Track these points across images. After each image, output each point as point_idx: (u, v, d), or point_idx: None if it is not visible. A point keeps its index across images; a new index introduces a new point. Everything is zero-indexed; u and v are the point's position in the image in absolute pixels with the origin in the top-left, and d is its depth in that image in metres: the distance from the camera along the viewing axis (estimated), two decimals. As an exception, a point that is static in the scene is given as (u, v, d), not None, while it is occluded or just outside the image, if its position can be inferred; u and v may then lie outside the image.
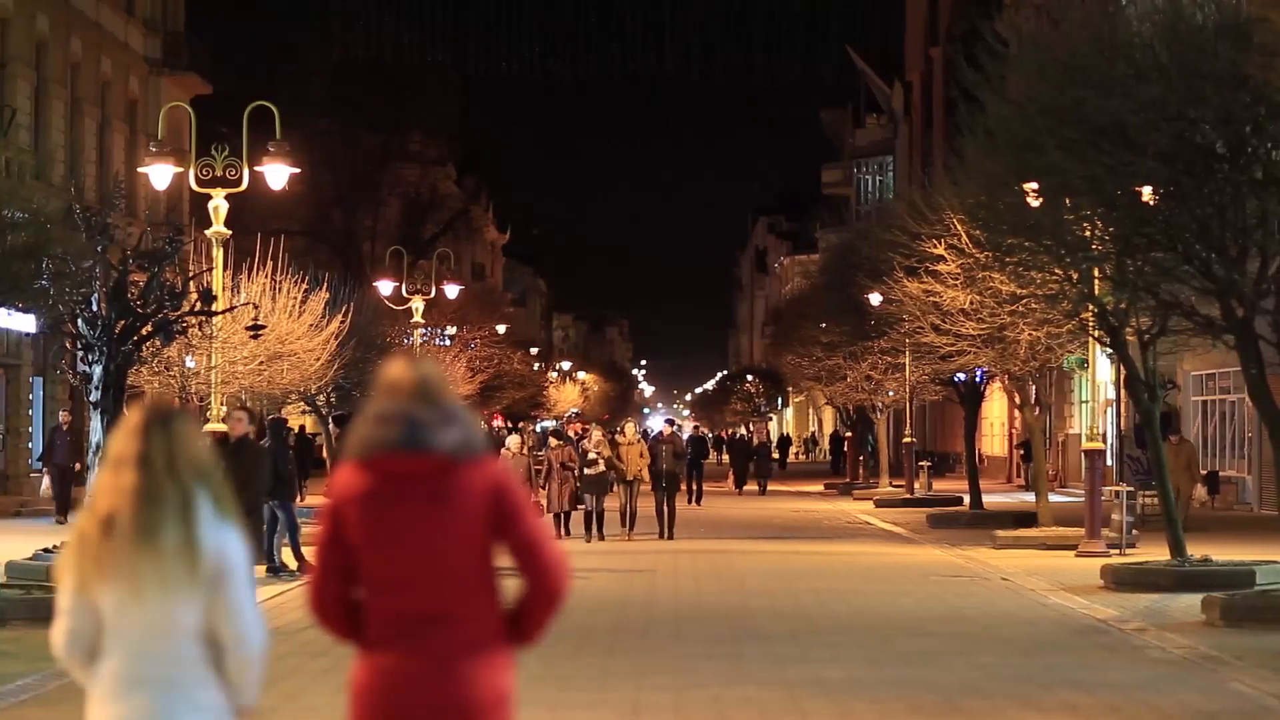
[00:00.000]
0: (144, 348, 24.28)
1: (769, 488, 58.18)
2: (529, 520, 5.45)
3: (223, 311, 27.09)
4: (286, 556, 25.19)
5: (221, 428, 24.00)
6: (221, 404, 26.21)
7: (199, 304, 24.09)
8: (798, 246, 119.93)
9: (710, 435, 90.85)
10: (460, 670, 5.34)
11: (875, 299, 38.27)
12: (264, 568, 23.90)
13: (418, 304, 48.52)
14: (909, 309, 31.96)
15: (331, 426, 27.58)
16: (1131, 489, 29.48)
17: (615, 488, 32.13)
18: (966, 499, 40.13)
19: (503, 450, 30.37)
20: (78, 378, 23.78)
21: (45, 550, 23.45)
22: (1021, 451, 51.10)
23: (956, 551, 28.99)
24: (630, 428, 36.06)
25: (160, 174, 27.70)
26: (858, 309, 41.27)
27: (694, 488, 46.13)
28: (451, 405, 5.43)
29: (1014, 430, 60.40)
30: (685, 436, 56.30)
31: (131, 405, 6.07)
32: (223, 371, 29.31)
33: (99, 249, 22.95)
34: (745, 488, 57.59)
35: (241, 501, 14.18)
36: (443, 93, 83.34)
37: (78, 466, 34.37)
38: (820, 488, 59.39)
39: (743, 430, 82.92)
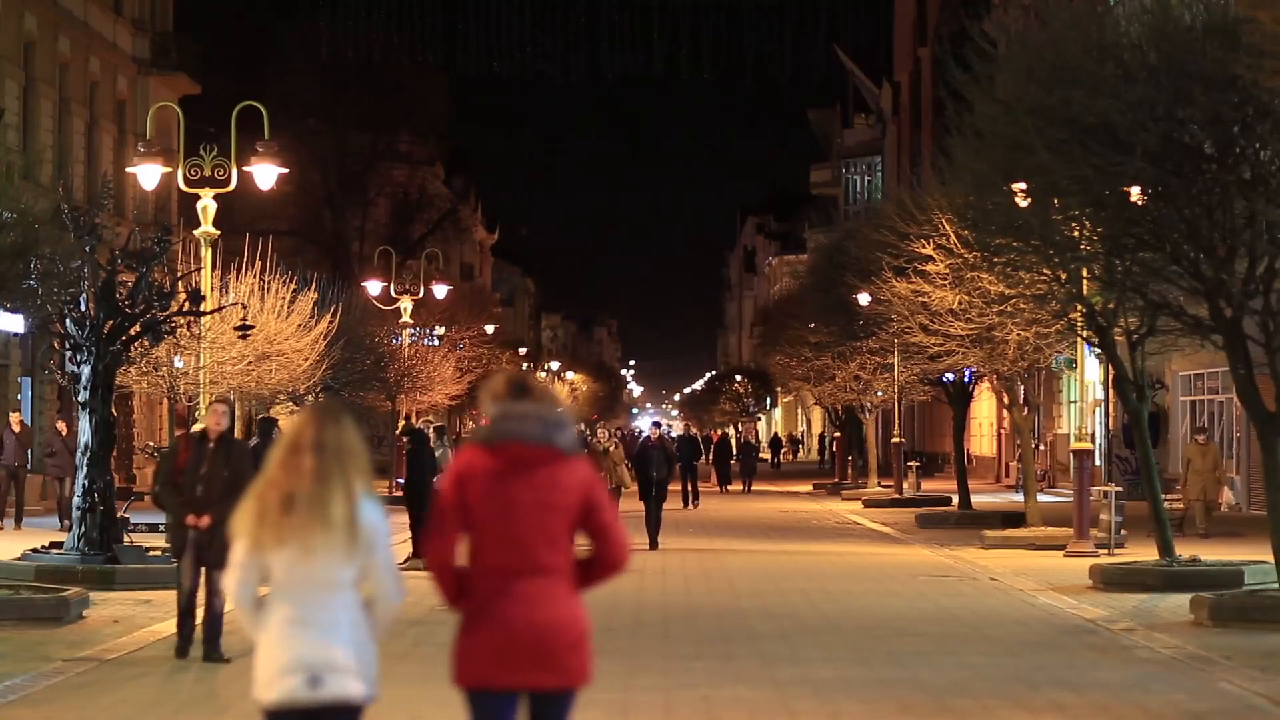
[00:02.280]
0: (132, 348, 24.25)
1: (754, 487, 58.35)
2: (607, 508, 7.22)
3: (211, 311, 27.06)
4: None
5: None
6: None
7: (187, 304, 24.06)
8: (786, 247, 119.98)
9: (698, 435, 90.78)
10: (552, 602, 7.06)
11: (864, 299, 38.30)
12: None
13: (406, 304, 48.51)
14: (897, 309, 31.98)
15: None
16: (1120, 489, 29.45)
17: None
18: (955, 499, 40.14)
19: None
20: (66, 378, 23.76)
21: (34, 550, 23.43)
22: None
23: (945, 551, 29.01)
24: (603, 432, 33.98)
25: (149, 174, 27.66)
26: (846, 309, 41.29)
27: (689, 489, 45.76)
28: (562, 414, 7.14)
29: (1002, 430, 60.45)
30: (674, 436, 56.14)
31: (309, 404, 7.48)
32: (211, 371, 29.30)
33: (87, 249, 22.92)
34: (729, 487, 57.73)
35: (234, 501, 14.10)
36: (431, 93, 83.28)
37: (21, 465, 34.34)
38: (809, 488, 59.45)
39: (730, 430, 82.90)
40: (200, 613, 15.36)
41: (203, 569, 15.27)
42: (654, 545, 29.68)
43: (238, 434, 31.61)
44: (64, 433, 34.47)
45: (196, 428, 16.37)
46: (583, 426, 62.65)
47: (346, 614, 6.76)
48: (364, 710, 6.82)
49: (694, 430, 75.59)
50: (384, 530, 6.81)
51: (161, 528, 24.14)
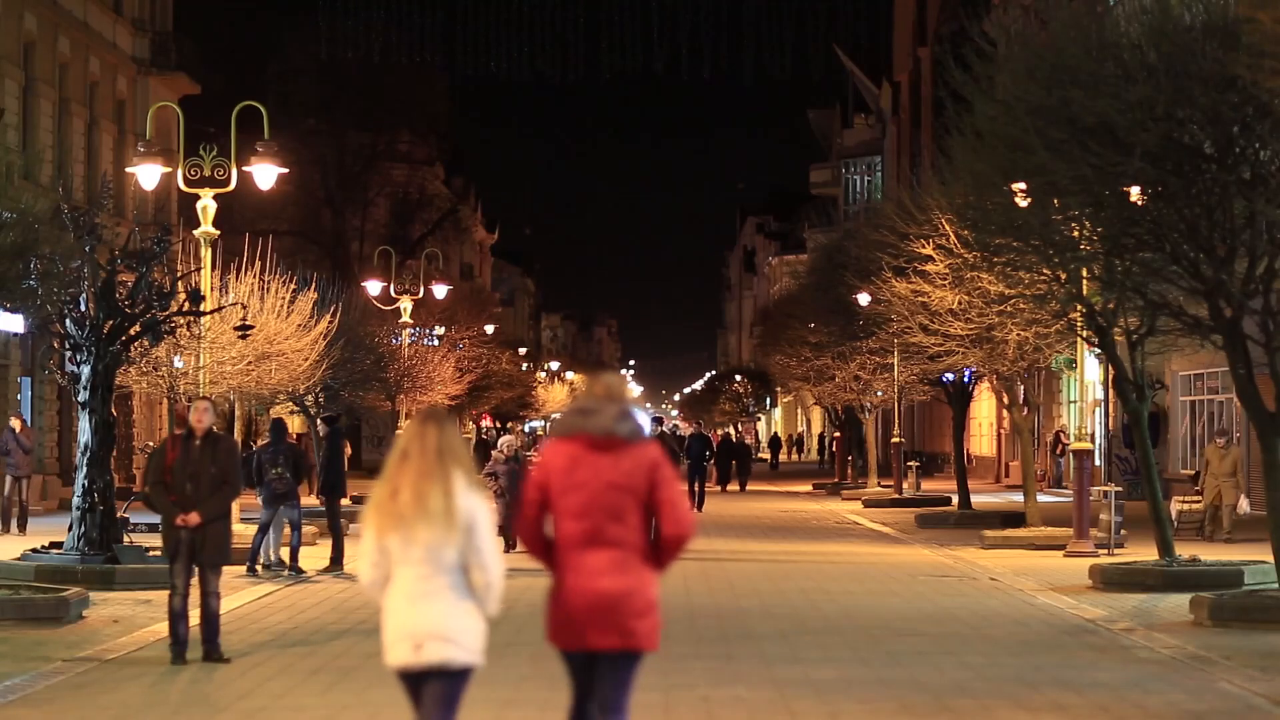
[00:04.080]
0: (132, 348, 24.26)
1: (752, 487, 58.45)
2: (671, 486, 8.29)
3: (211, 311, 27.06)
4: (284, 554, 25.18)
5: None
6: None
7: (187, 304, 24.06)
8: (786, 246, 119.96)
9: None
10: (620, 572, 8.19)
11: (864, 299, 38.30)
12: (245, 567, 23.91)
13: (406, 304, 48.47)
14: (897, 309, 31.96)
15: (320, 427, 27.52)
16: (1120, 489, 29.43)
17: None
18: (955, 499, 40.14)
19: (494, 452, 30.04)
20: (66, 378, 23.75)
21: (34, 550, 23.43)
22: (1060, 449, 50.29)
23: (945, 551, 29.01)
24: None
25: (148, 174, 27.67)
26: (846, 309, 41.29)
27: (696, 490, 45.32)
28: (630, 406, 8.37)
29: (1002, 430, 60.45)
30: (680, 435, 55.95)
31: (416, 410, 8.70)
32: (211, 371, 29.29)
33: (87, 249, 22.92)
34: (727, 486, 57.83)
35: (224, 498, 14.31)
36: (431, 93, 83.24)
37: None
38: (809, 488, 59.46)
39: (730, 430, 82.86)
40: (195, 614, 15.32)
41: (195, 569, 15.25)
42: None
43: (237, 434, 31.73)
44: (18, 430, 33.73)
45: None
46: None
47: (450, 589, 7.95)
48: (468, 674, 8.01)
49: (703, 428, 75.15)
50: (483, 515, 7.99)
51: (161, 528, 24.17)
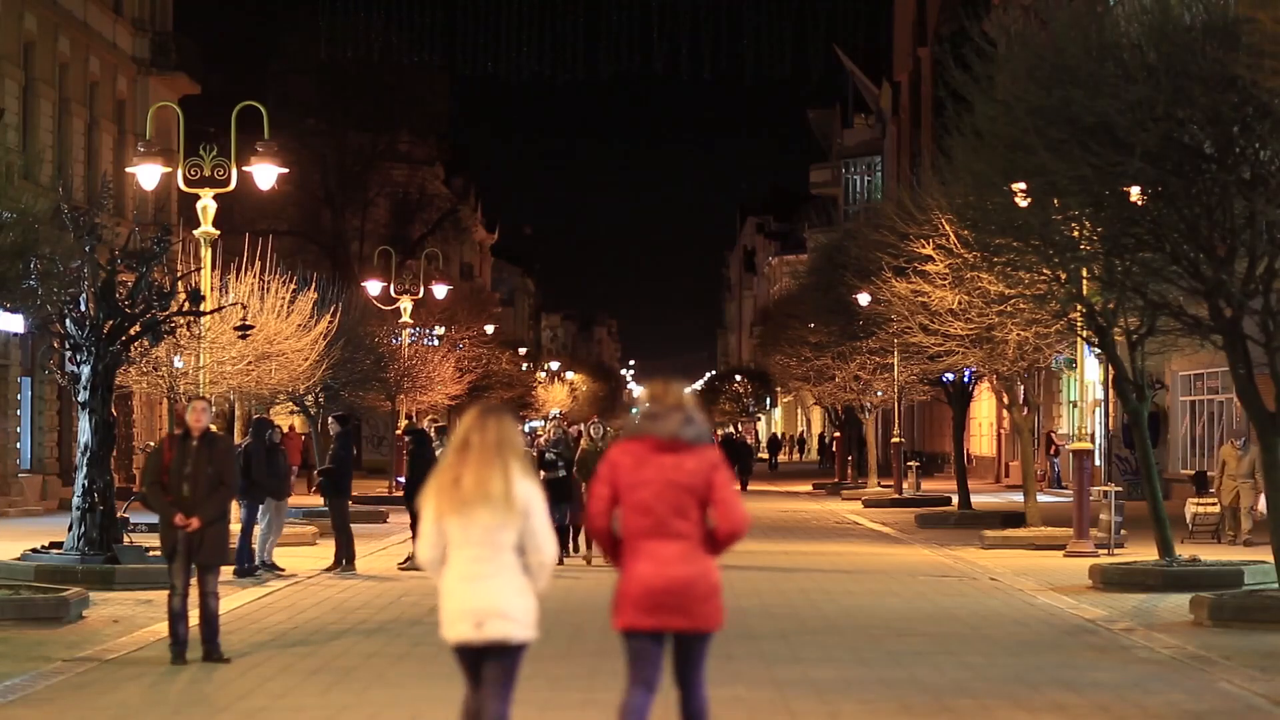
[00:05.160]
0: (132, 348, 24.25)
1: (750, 487, 58.45)
2: (728, 486, 9.14)
3: (211, 311, 27.05)
4: (276, 555, 25.18)
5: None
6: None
7: (187, 304, 24.05)
8: (786, 246, 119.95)
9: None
10: (683, 561, 9.02)
11: (864, 299, 38.30)
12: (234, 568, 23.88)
13: (406, 304, 48.47)
14: (897, 309, 31.96)
15: (332, 425, 27.50)
16: (1120, 489, 29.40)
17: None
18: (955, 499, 40.14)
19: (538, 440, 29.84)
20: (66, 378, 23.74)
21: (34, 550, 23.42)
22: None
23: (945, 551, 29.01)
24: (595, 429, 28.83)
25: (148, 174, 27.66)
26: (846, 309, 41.29)
27: None
28: (692, 411, 9.16)
29: (1002, 430, 60.44)
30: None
31: (473, 404, 9.37)
32: (211, 371, 29.28)
33: (87, 249, 22.91)
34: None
35: (221, 499, 14.35)
36: (431, 93, 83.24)
37: None
38: (809, 488, 59.46)
39: (731, 429, 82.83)
40: (194, 614, 15.32)
41: (194, 569, 15.25)
42: None
43: (237, 435, 31.68)
44: None
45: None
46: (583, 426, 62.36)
47: (508, 569, 8.67)
48: (524, 649, 8.75)
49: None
50: (538, 501, 8.75)
51: (159, 528, 24.14)
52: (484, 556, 8.66)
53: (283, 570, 24.58)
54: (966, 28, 27.51)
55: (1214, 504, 30.32)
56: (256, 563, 24.52)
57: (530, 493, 8.73)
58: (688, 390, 9.43)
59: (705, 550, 9.14)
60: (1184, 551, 23.53)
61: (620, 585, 9.10)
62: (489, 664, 8.71)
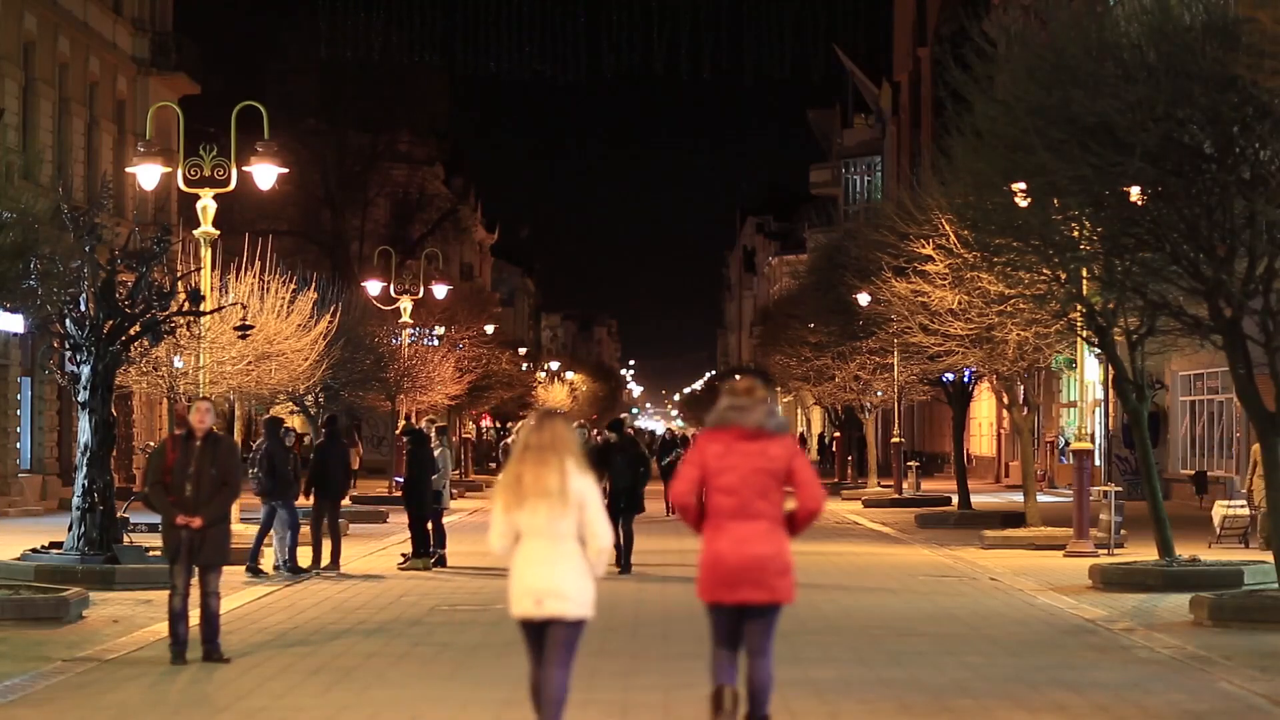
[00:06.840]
0: (132, 348, 24.24)
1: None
2: (808, 470, 10.50)
3: (211, 311, 27.05)
4: (283, 553, 25.15)
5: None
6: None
7: (187, 304, 24.05)
8: (786, 246, 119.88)
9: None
10: (762, 540, 10.37)
11: (863, 299, 38.28)
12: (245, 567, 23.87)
13: (406, 304, 48.48)
14: (897, 309, 31.96)
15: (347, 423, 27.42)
16: (1120, 489, 29.37)
17: None
18: (955, 499, 40.14)
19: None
20: (66, 378, 23.74)
21: (34, 550, 23.43)
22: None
23: (945, 551, 29.00)
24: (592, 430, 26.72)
25: (148, 174, 27.66)
26: (846, 309, 41.27)
27: None
28: (769, 405, 10.51)
29: (1002, 430, 60.45)
30: (684, 437, 55.61)
31: (530, 410, 9.80)
32: (211, 371, 29.28)
33: (87, 249, 22.91)
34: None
35: (224, 500, 14.44)
36: (431, 93, 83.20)
37: None
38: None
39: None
40: (195, 614, 15.32)
41: (195, 569, 15.24)
42: (622, 568, 24.50)
43: (236, 434, 31.72)
44: None
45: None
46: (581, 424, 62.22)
47: (567, 556, 9.84)
48: (582, 625, 9.93)
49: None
50: (592, 494, 9.92)
51: (160, 528, 24.14)
52: (546, 544, 9.83)
53: (305, 570, 24.59)
54: (966, 28, 27.49)
55: (1243, 507, 28.97)
56: (278, 563, 24.54)
57: (585, 486, 9.90)
58: (762, 385, 10.58)
59: (783, 530, 10.46)
60: (1202, 554, 23.39)
61: (702, 560, 10.38)
62: (550, 635, 9.86)
